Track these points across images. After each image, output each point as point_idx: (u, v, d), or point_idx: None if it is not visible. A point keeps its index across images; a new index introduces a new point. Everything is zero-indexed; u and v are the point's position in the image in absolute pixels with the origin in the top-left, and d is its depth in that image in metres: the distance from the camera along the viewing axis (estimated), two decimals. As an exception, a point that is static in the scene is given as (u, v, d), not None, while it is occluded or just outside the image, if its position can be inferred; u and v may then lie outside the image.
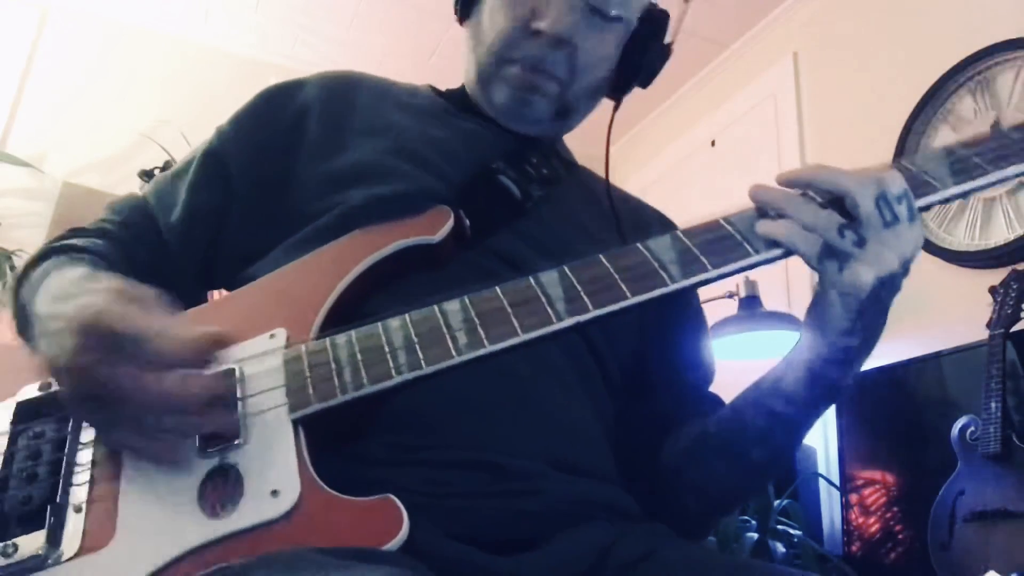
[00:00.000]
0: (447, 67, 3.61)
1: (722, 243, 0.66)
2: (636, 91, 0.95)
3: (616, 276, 0.65)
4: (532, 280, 0.66)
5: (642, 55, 0.90)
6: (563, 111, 0.89)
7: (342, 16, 3.37)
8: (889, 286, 0.65)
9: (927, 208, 0.67)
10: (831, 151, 2.77)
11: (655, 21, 0.89)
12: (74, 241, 0.82)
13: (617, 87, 0.92)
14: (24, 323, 0.73)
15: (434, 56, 3.45)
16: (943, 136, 2.35)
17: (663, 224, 0.98)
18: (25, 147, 3.19)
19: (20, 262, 2.93)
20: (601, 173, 0.96)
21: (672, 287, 0.65)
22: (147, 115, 3.31)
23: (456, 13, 0.92)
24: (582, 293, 0.64)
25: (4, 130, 3.24)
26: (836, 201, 0.65)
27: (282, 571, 0.49)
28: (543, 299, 0.64)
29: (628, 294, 0.64)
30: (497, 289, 0.65)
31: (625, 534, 0.71)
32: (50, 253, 0.80)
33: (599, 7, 0.84)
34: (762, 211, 0.67)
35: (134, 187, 3.12)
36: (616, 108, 0.94)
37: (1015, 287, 1.85)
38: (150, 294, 0.61)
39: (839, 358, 0.69)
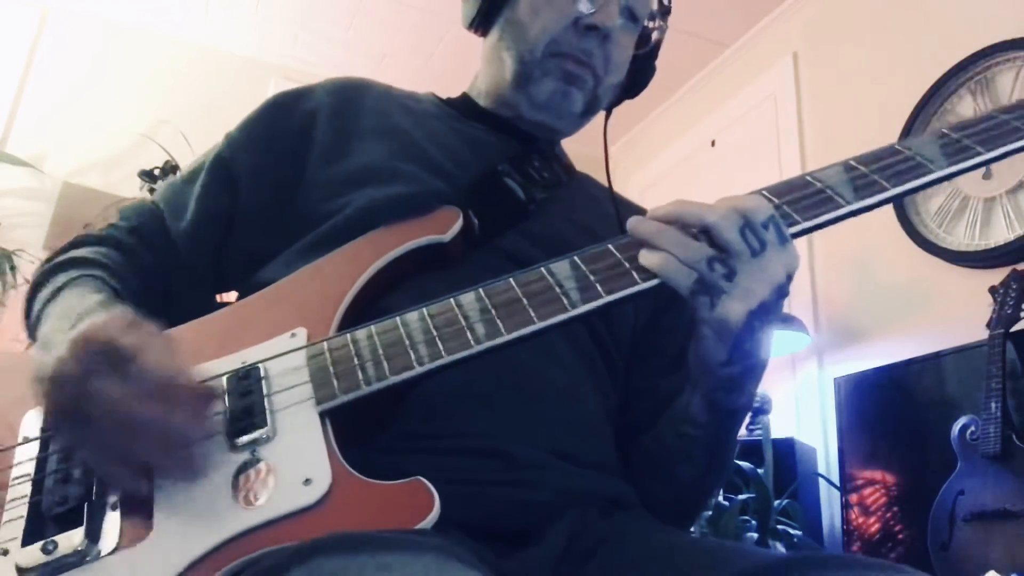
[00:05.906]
0: (447, 67, 3.58)
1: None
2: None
3: (626, 264, 0.66)
4: (544, 270, 0.67)
5: (643, 64, 0.95)
6: (590, 107, 0.92)
7: (342, 16, 3.37)
8: (762, 316, 0.66)
9: (917, 189, 0.68)
10: (831, 151, 2.77)
11: (649, 35, 0.94)
12: (84, 253, 0.81)
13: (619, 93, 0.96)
14: (33, 338, 0.74)
15: (434, 56, 3.44)
16: (943, 136, 2.35)
17: None
18: (25, 147, 3.19)
19: (20, 262, 2.93)
20: (598, 176, 0.98)
21: None
22: (147, 115, 3.31)
23: (472, 25, 0.95)
24: (594, 281, 0.66)
25: (4, 130, 3.24)
26: (707, 235, 0.65)
27: (346, 552, 0.47)
28: (556, 288, 0.66)
29: (638, 280, 0.65)
30: (511, 279, 0.67)
31: (594, 520, 0.73)
32: (62, 267, 0.79)
33: (633, 8, 0.90)
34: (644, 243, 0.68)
35: (134, 187, 3.12)
36: (608, 117, 0.97)
37: (1015, 287, 1.85)
38: (155, 329, 0.62)
39: (726, 386, 0.71)
